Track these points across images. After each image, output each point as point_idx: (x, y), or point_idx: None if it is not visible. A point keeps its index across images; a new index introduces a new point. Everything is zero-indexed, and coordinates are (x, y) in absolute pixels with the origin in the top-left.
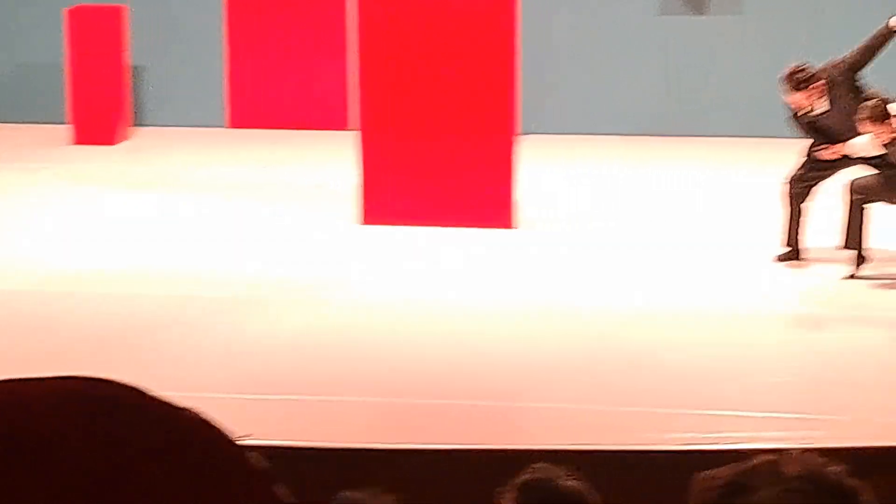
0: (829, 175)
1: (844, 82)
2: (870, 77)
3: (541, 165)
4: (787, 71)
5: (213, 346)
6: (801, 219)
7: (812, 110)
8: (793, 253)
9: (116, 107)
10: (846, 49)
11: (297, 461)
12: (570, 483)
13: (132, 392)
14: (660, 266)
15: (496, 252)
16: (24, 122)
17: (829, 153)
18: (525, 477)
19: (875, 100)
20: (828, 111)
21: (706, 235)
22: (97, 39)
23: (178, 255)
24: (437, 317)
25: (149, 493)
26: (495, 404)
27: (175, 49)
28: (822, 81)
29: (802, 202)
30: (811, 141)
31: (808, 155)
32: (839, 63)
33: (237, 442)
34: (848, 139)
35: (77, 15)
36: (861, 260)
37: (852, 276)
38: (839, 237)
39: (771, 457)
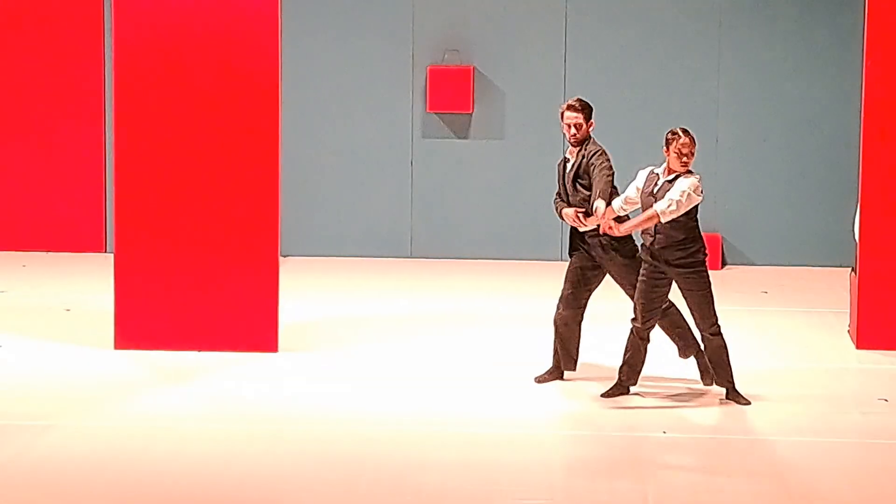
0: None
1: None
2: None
3: (301, 287)
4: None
5: None
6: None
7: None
8: (556, 372)
9: None
10: None
11: None
12: None
13: None
14: (422, 386)
15: (258, 376)
16: None
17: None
18: None
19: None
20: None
21: (466, 356)
22: None
23: None
24: (189, 441)
25: None
26: None
27: None
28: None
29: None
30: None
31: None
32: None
33: None
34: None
35: None
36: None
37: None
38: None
39: None
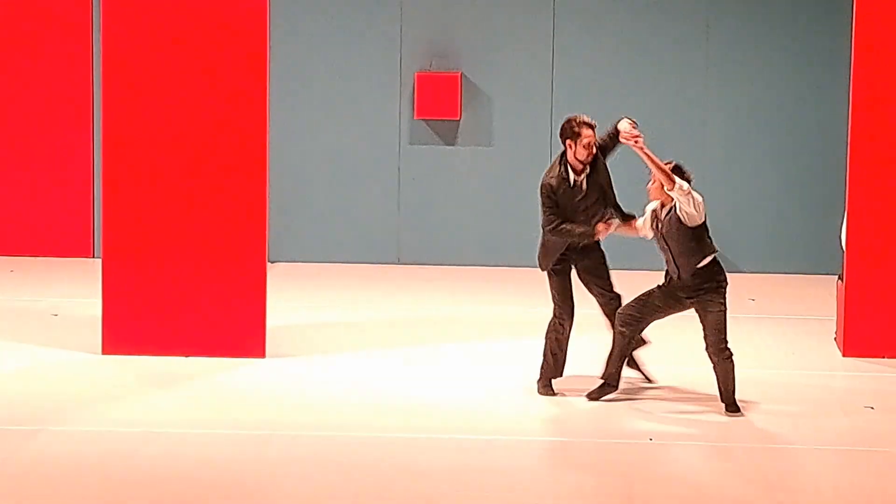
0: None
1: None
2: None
3: (288, 293)
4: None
5: None
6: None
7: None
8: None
9: None
10: None
11: None
12: None
13: None
14: (409, 392)
15: (245, 381)
16: None
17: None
18: None
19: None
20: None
21: (453, 362)
22: None
23: None
24: (181, 447)
25: None
26: None
27: None
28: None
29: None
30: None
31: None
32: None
33: None
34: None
35: None
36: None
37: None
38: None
39: None
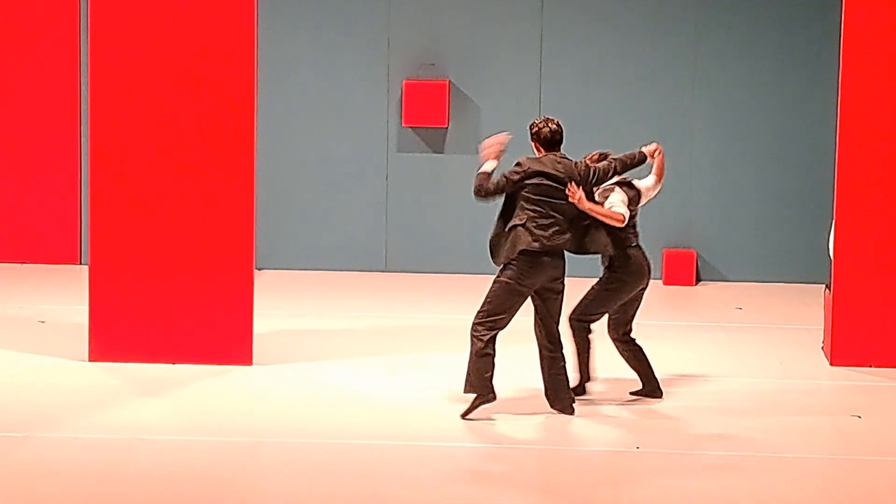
0: None
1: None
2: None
3: (275, 300)
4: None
5: None
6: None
7: None
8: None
9: None
10: None
11: None
12: None
13: None
14: (397, 400)
15: (232, 388)
16: None
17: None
18: None
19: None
20: None
21: (440, 370)
22: None
23: None
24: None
25: None
26: None
27: None
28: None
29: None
30: None
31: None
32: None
33: None
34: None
35: None
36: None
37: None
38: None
39: None
